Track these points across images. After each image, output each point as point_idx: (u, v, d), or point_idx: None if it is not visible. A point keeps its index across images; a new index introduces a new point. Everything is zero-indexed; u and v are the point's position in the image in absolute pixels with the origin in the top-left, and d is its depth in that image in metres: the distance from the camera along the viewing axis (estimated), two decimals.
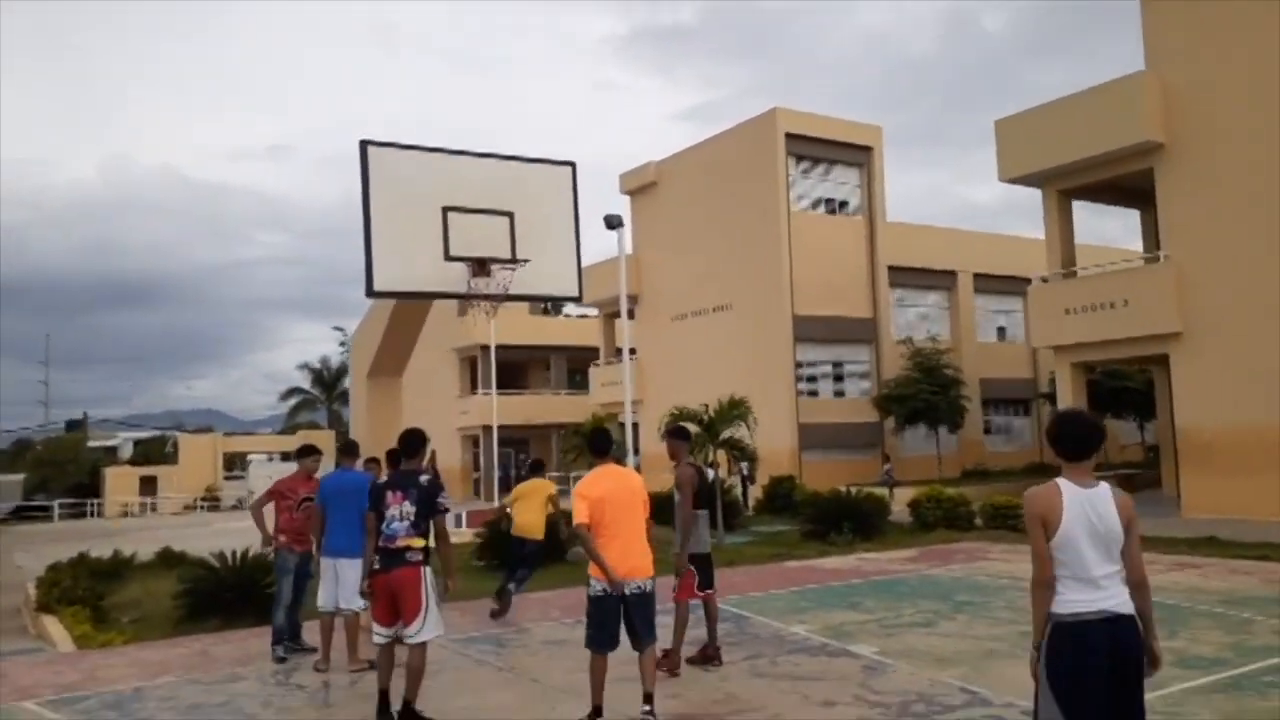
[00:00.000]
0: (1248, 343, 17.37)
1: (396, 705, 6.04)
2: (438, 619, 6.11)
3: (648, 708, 5.70)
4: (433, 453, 8.82)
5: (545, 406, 42.70)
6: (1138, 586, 3.58)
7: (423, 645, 6.07)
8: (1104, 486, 3.60)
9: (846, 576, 12.13)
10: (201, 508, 44.93)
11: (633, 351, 27.95)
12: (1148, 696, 3.70)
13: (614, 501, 5.76)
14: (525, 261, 8.29)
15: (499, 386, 34.89)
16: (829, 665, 7.32)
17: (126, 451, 60.93)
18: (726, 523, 17.06)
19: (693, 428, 14.91)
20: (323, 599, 7.72)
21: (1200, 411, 18.18)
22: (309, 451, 8.92)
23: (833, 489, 17.61)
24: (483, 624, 9.58)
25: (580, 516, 5.68)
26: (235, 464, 54.75)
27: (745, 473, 23.29)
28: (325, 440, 44.36)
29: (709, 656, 7.41)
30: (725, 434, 17.99)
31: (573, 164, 9.22)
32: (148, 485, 47.89)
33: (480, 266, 8.20)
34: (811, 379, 29.84)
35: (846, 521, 15.67)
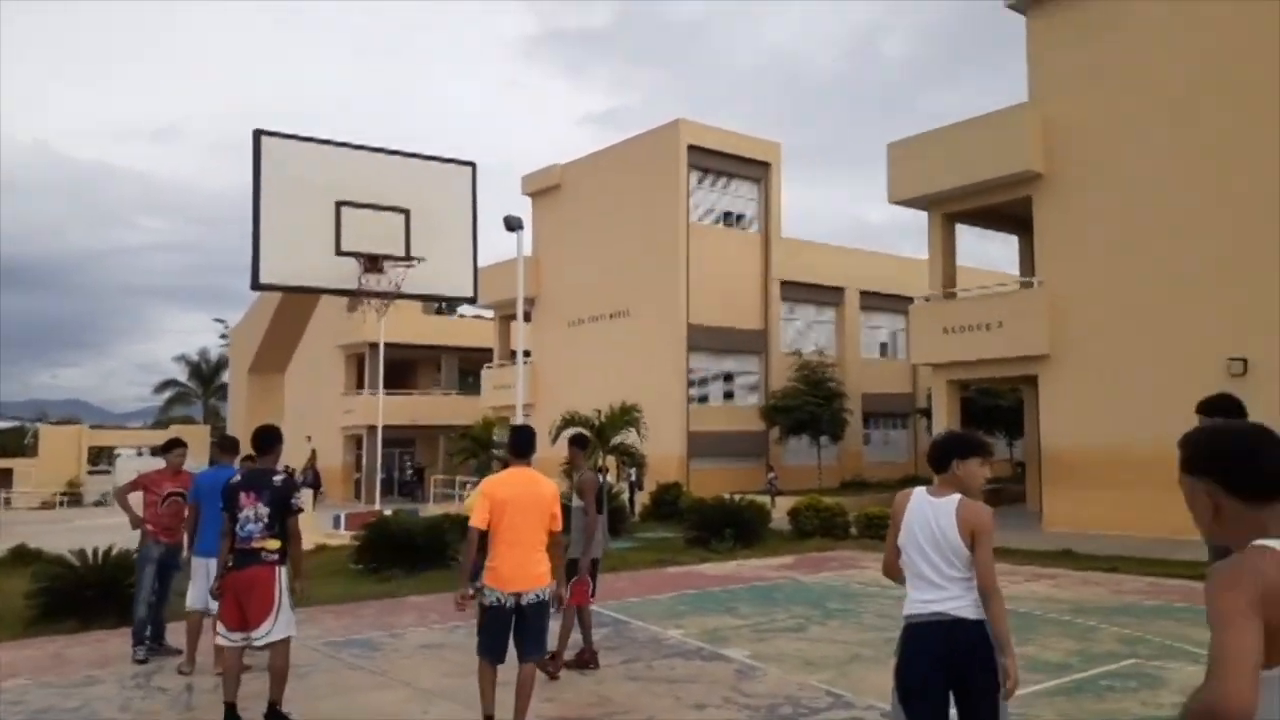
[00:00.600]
0: (1109, 367, 18.44)
1: (251, 712, 5.89)
2: (289, 620, 6.01)
3: None
4: (312, 451, 8.62)
5: (434, 407, 42.07)
6: (986, 595, 3.69)
7: (284, 645, 5.98)
8: (953, 499, 3.76)
9: (725, 582, 12.37)
10: (62, 503, 42.55)
11: (527, 354, 27.82)
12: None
13: (519, 506, 5.48)
14: (420, 260, 8.21)
15: (387, 385, 34.25)
16: (703, 669, 7.47)
17: None
18: (612, 528, 17.15)
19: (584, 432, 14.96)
20: (192, 598, 7.50)
21: (1063, 431, 19.20)
22: (175, 445, 8.69)
23: (717, 496, 17.92)
24: (356, 627, 9.41)
25: (477, 519, 5.45)
26: (101, 458, 52.10)
27: (633, 479, 23.46)
28: (200, 436, 42.64)
29: (585, 660, 7.48)
30: (616, 440, 18.10)
31: (473, 164, 9.16)
32: (2, 478, 45.11)
33: (373, 263, 8.07)
34: (703, 387, 30.29)
35: (729, 528, 15.95)
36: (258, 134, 8.05)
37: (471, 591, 5.56)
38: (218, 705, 6.50)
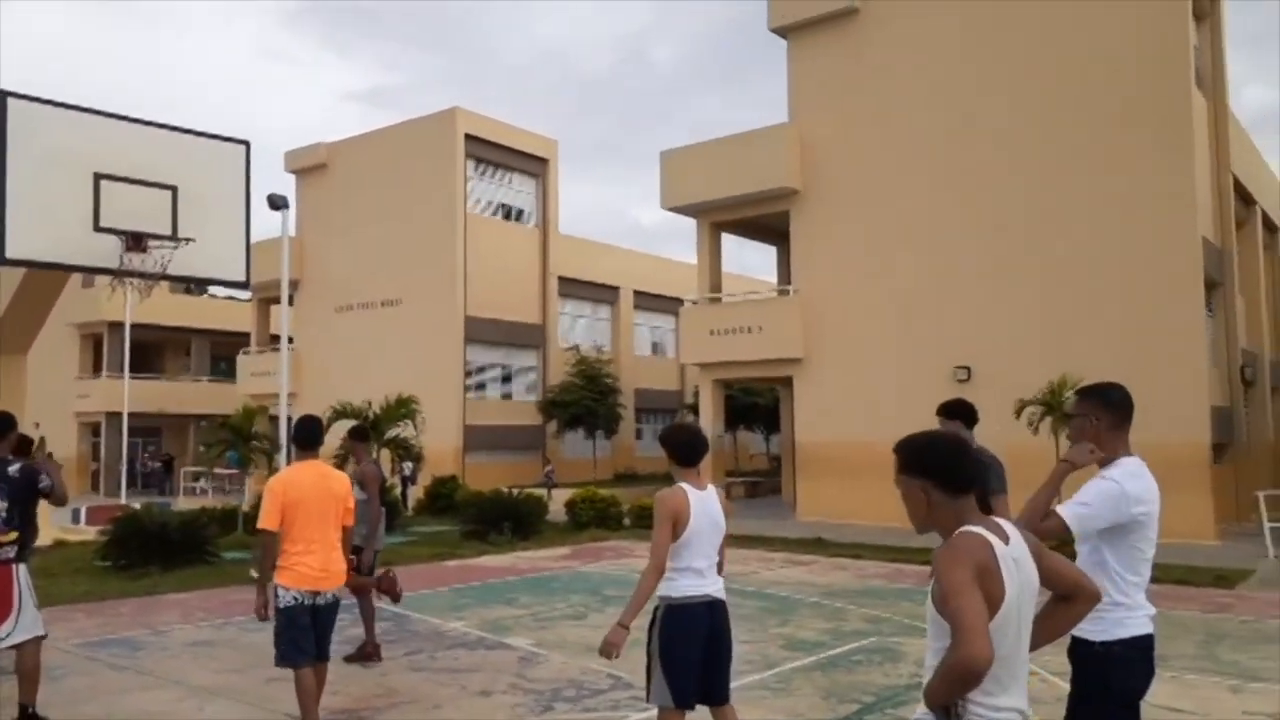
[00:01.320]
0: (855, 369, 20.17)
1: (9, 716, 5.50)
2: (35, 618, 5.70)
3: None
4: (41, 439, 8.01)
5: (183, 394, 39.18)
6: (720, 570, 4.30)
7: (33, 645, 5.67)
8: (711, 488, 4.27)
9: (504, 574, 12.53)
10: None
11: (290, 340, 26.53)
12: (761, 675, 4.42)
13: (311, 503, 5.29)
14: (188, 240, 7.76)
15: (131, 369, 31.55)
16: (486, 658, 7.62)
17: None
18: (387, 523, 16.81)
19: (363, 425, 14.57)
20: None
21: (814, 427, 20.79)
22: None
23: (495, 490, 17.98)
24: (113, 626, 8.80)
25: (268, 521, 5.19)
26: None
27: (407, 473, 23.04)
28: None
29: (368, 654, 7.42)
30: (392, 433, 17.73)
31: (247, 143, 8.76)
32: None
33: (136, 241, 7.55)
34: (480, 380, 30.15)
35: (507, 521, 16.09)
36: (2, 94, 7.33)
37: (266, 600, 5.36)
38: None
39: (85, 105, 7.75)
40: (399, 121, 31.35)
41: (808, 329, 20.96)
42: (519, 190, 32.13)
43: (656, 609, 4.18)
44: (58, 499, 6.01)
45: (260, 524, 5.25)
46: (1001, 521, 2.42)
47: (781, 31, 21.67)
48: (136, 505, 16.15)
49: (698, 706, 4.17)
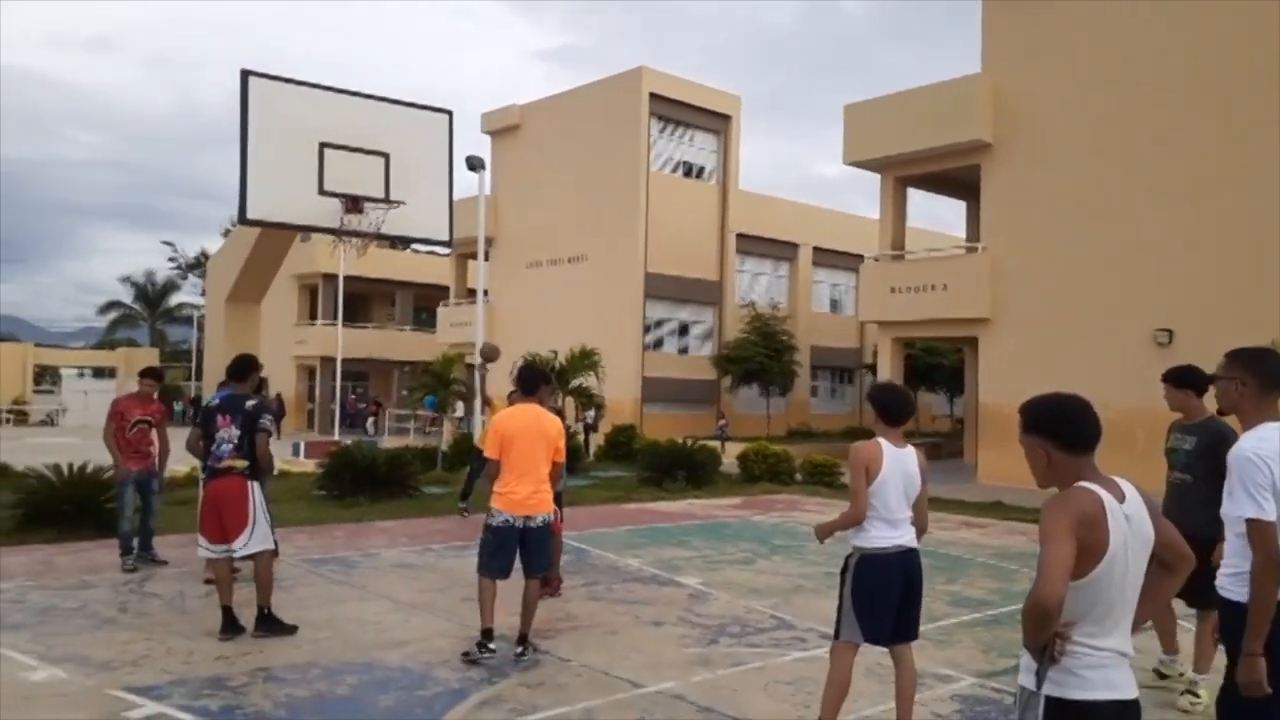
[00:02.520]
0: (1045, 331, 19.38)
1: (244, 619, 6.40)
2: (266, 533, 6.48)
3: (520, 649, 5.99)
4: (264, 380, 9.03)
5: (388, 341, 42.14)
6: (921, 530, 4.56)
7: (266, 557, 6.48)
8: (911, 448, 4.50)
9: (677, 519, 13.09)
10: (8, 420, 42.01)
11: (485, 293, 28.10)
12: (922, 628, 4.69)
13: (526, 439, 5.98)
14: (400, 203, 8.56)
15: (341, 318, 34.31)
16: (658, 593, 8.14)
17: None
18: (569, 467, 17.76)
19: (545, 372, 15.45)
20: None
21: (1000, 390, 20.16)
22: (147, 375, 9.03)
23: (670, 440, 18.58)
24: (330, 547, 9.93)
25: (490, 450, 6.02)
26: (44, 377, 51.30)
27: (589, 421, 24.08)
28: (148, 359, 42.22)
29: (552, 585, 8.08)
30: (575, 382, 18.62)
31: (450, 112, 9.49)
32: None
33: (354, 204, 8.41)
34: (658, 335, 30.89)
35: (681, 470, 16.63)
36: (245, 74, 8.30)
37: (463, 508, 6.12)
38: (210, 608, 7.02)
39: (311, 81, 8.65)
40: (588, 82, 32.15)
41: (996, 288, 20.28)
42: (700, 147, 32.35)
43: (849, 557, 4.50)
44: (263, 453, 6.77)
45: (486, 453, 6.15)
46: (1121, 480, 2.56)
47: None
48: (348, 442, 17.78)
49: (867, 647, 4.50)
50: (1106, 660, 2.46)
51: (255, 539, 6.41)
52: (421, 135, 9.17)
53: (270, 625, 6.38)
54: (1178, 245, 17.49)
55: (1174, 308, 17.45)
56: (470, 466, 12.48)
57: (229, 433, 6.44)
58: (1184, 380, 5.30)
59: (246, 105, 8.12)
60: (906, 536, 4.45)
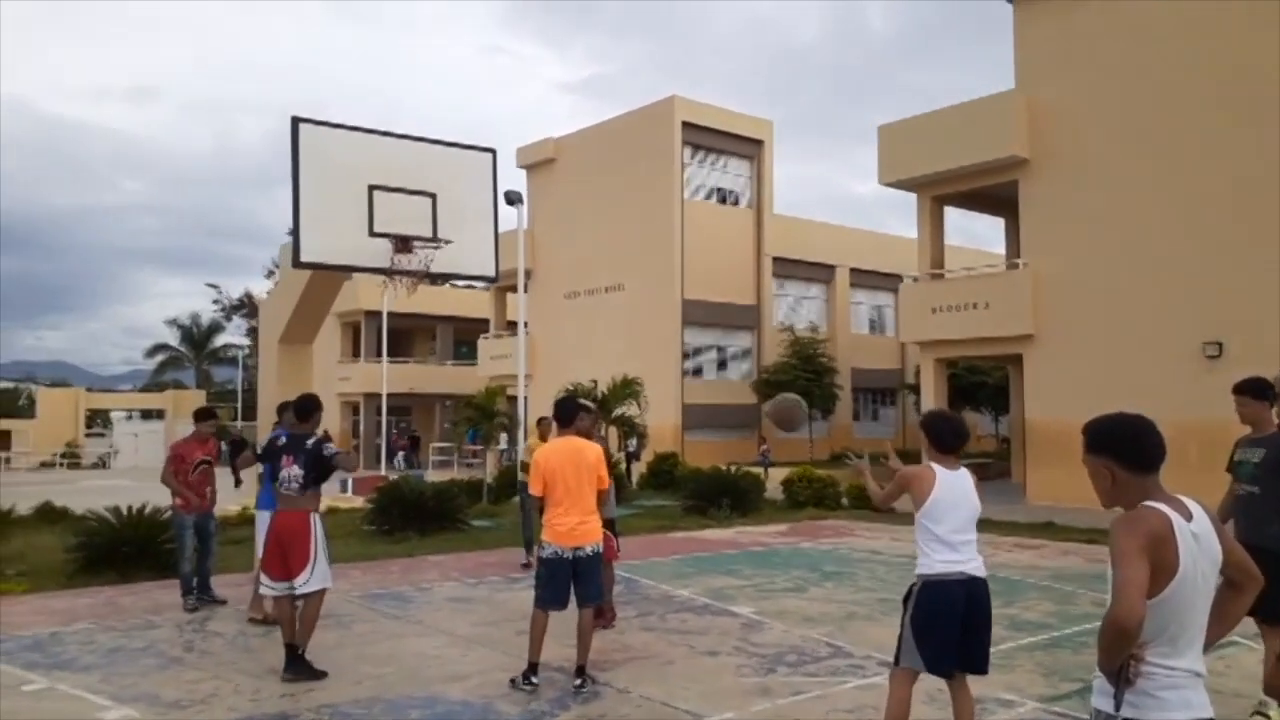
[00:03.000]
0: (1091, 347, 19.14)
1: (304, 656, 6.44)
2: (326, 572, 6.57)
3: (579, 681, 6.01)
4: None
5: (429, 376, 42.57)
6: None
7: (318, 596, 6.54)
8: (964, 469, 4.47)
9: (725, 547, 13.06)
10: (61, 464, 42.97)
11: (525, 326, 28.38)
12: None
13: (568, 471, 6.07)
14: (448, 241, 8.72)
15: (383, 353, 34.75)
16: (712, 622, 8.13)
17: None
18: (616, 496, 17.80)
19: (588, 405, 15.57)
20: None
21: (1047, 407, 19.91)
22: (206, 415, 9.21)
23: (713, 467, 18.57)
24: (385, 582, 10.04)
25: (534, 488, 6.12)
26: (95, 421, 52.48)
27: (631, 449, 24.13)
28: (196, 400, 43.05)
29: (605, 616, 8.10)
30: (618, 411, 18.71)
31: (493, 151, 9.70)
32: (0, 440, 45.44)
33: (403, 244, 8.59)
34: (697, 361, 30.93)
35: (725, 497, 16.60)
36: (295, 121, 8.53)
37: (528, 560, 6.18)
38: (273, 647, 7.13)
39: (358, 125, 8.88)
40: (620, 113, 32.51)
41: (1038, 304, 20.08)
42: (734, 173, 32.52)
43: (913, 585, 4.45)
44: (347, 465, 7.04)
45: (529, 490, 6.21)
46: (1186, 499, 2.57)
47: None
48: (394, 476, 17.99)
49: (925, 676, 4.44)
50: (1181, 681, 2.47)
51: (316, 577, 6.50)
52: (466, 174, 9.36)
53: (299, 668, 6.31)
54: (1225, 255, 17.24)
55: (1223, 319, 17.17)
56: (523, 508, 12.08)
57: (291, 471, 6.58)
58: (1262, 392, 5.23)
59: (298, 151, 8.34)
60: (972, 564, 4.36)
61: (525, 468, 9.24)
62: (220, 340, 59.93)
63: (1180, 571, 2.43)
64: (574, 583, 6.11)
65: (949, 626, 4.31)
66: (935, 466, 4.41)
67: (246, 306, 60.94)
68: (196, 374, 60.42)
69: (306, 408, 6.98)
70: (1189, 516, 2.51)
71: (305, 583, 6.45)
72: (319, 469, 6.64)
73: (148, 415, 51.93)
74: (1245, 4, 17.23)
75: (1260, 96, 16.89)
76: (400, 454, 37.96)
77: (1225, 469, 5.54)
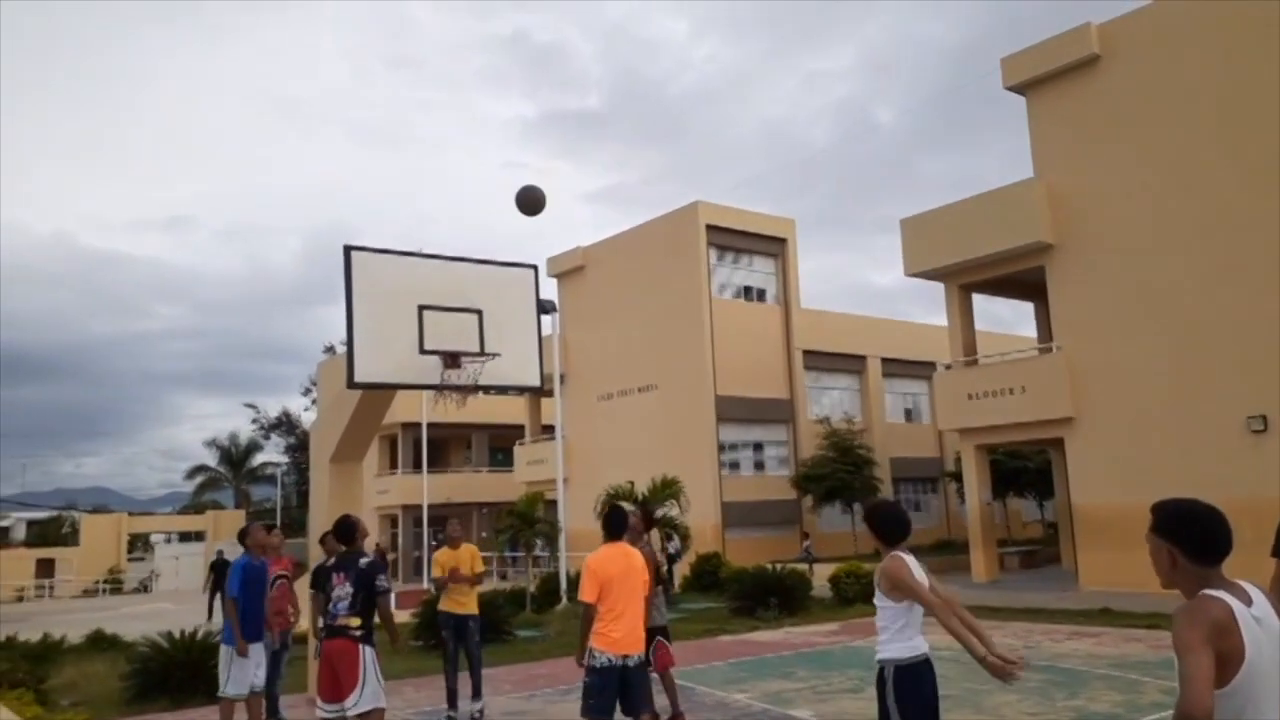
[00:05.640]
0: (1133, 426, 18.97)
1: None
2: (377, 691, 6.56)
3: None
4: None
5: (466, 484, 42.64)
6: (956, 606, 4.49)
7: (375, 714, 6.53)
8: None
9: (777, 649, 12.85)
10: (104, 590, 43.12)
11: (561, 430, 28.58)
12: None
13: (620, 579, 6.13)
14: (495, 355, 8.96)
15: (420, 464, 34.98)
16: None
17: (20, 532, 58.09)
18: (666, 600, 17.63)
19: (628, 507, 15.57)
20: (237, 685, 8.00)
21: (1093, 490, 19.64)
22: (270, 528, 9.33)
23: (758, 566, 18.37)
24: (438, 699, 9.97)
25: (588, 595, 6.09)
26: (135, 545, 52.78)
27: (674, 551, 23.93)
28: (236, 520, 43.31)
29: None
30: (659, 513, 18.67)
31: (535, 266, 10.02)
32: (44, 567, 45.75)
33: (452, 360, 8.83)
34: (733, 458, 30.86)
35: (773, 597, 16.39)
36: (348, 249, 8.90)
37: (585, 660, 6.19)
38: None
39: (405, 249, 9.25)
40: (645, 220, 33.34)
41: (1076, 386, 20.03)
42: (759, 271, 33.04)
43: (883, 669, 4.53)
44: (385, 611, 6.92)
45: (581, 597, 6.16)
46: (1245, 584, 2.60)
47: (1018, 88, 21.34)
48: (434, 590, 17.93)
49: None
50: None
51: (366, 697, 6.53)
52: (509, 290, 9.63)
53: None
54: (1260, 326, 17.18)
55: (1266, 392, 17.01)
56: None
57: (343, 590, 6.66)
58: None
59: (350, 277, 8.68)
60: (926, 646, 4.54)
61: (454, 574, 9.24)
62: (259, 459, 60.56)
63: (1247, 659, 2.44)
64: (625, 692, 6.11)
65: (931, 706, 4.45)
66: (904, 555, 4.51)
67: (285, 424, 61.75)
68: (235, 494, 60.88)
69: (348, 529, 7.00)
70: (1249, 602, 2.54)
71: (356, 704, 6.48)
72: (370, 591, 6.65)
73: (186, 537, 52.20)
74: (1254, 79, 17.60)
75: (1278, 168, 17.09)
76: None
77: (1271, 553, 5.06)
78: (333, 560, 7.06)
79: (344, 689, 6.47)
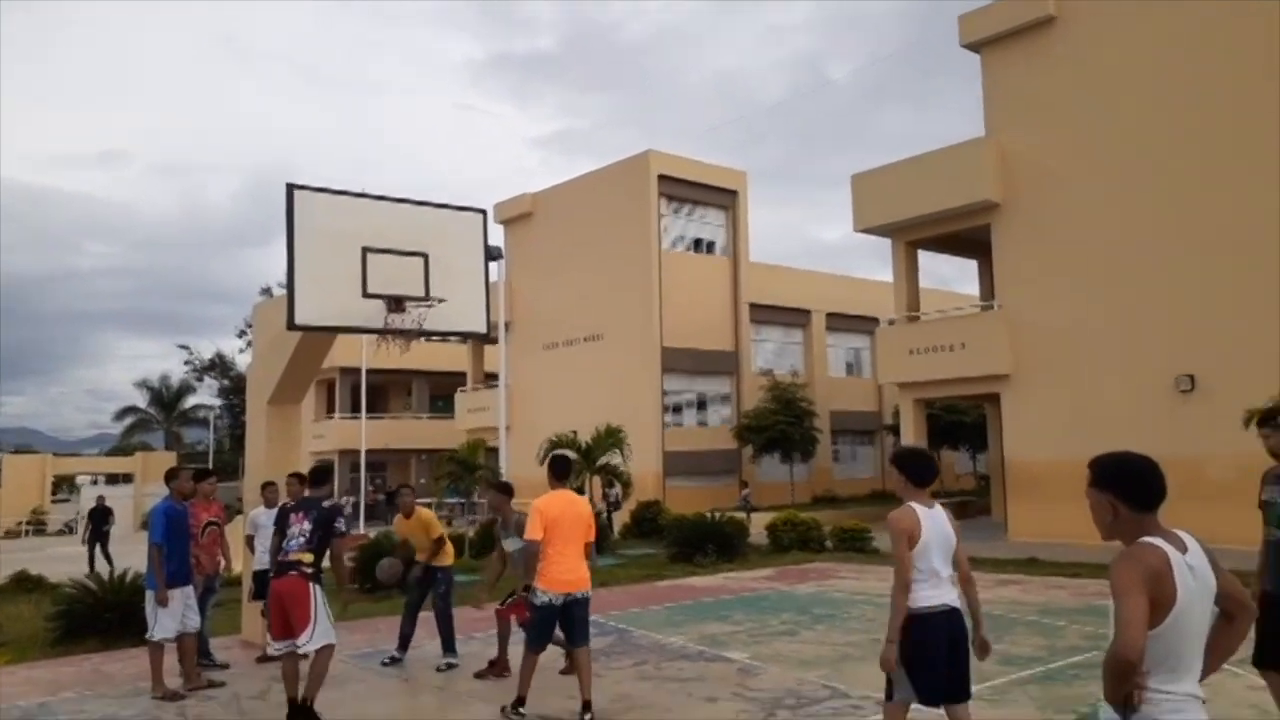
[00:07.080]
0: (1067, 384, 19.47)
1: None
2: (328, 629, 6.65)
3: (589, 716, 6.34)
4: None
5: (406, 431, 42.35)
6: (967, 583, 4.69)
7: (326, 651, 6.60)
8: (939, 507, 4.63)
9: (714, 593, 13.06)
10: (27, 532, 42.14)
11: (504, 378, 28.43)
12: (975, 688, 4.76)
13: (565, 523, 6.44)
14: (441, 300, 8.82)
15: (358, 409, 34.59)
16: (708, 669, 8.15)
17: None
18: (598, 546, 17.78)
19: (571, 455, 15.60)
20: (164, 628, 7.81)
21: (1026, 445, 20.18)
22: (206, 475, 9.15)
23: (697, 514, 18.59)
24: (374, 641, 9.98)
25: (534, 532, 6.37)
26: (61, 487, 51.58)
27: (612, 499, 24.11)
28: (165, 462, 42.45)
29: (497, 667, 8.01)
30: (601, 461, 18.75)
31: (483, 211, 9.83)
32: None
33: (397, 304, 8.67)
34: (677, 408, 31.05)
35: (710, 544, 16.62)
36: (290, 187, 8.62)
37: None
38: (268, 709, 7.10)
39: (351, 190, 9.01)
40: (596, 168, 32.97)
41: (1015, 344, 20.45)
42: (709, 223, 32.98)
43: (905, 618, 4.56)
44: (339, 551, 6.97)
45: (527, 535, 6.44)
46: (1181, 532, 2.71)
47: (974, 46, 21.40)
48: (371, 534, 17.84)
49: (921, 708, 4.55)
50: (1184, 704, 2.61)
51: (318, 634, 6.55)
52: (457, 234, 9.44)
53: (308, 718, 6.47)
54: (1193, 290, 17.66)
55: (1194, 353, 17.55)
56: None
57: (300, 527, 6.71)
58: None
59: (293, 217, 8.42)
60: (950, 596, 4.54)
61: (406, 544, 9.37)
62: (191, 401, 59.29)
63: (1178, 604, 2.57)
64: (567, 625, 6.53)
65: (938, 657, 4.46)
66: (916, 506, 4.54)
67: (218, 366, 60.48)
68: (166, 436, 59.60)
69: (321, 476, 7.29)
70: (1184, 549, 2.65)
71: (308, 641, 6.52)
72: (327, 531, 6.72)
73: (114, 480, 51.10)
74: (1208, 48, 17.89)
75: (1224, 137, 17.46)
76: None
77: (1257, 505, 5.24)
78: (293, 502, 7.19)
79: (296, 627, 6.52)
